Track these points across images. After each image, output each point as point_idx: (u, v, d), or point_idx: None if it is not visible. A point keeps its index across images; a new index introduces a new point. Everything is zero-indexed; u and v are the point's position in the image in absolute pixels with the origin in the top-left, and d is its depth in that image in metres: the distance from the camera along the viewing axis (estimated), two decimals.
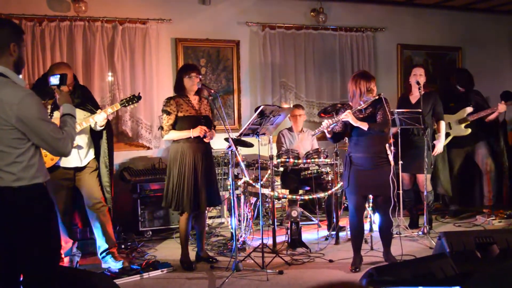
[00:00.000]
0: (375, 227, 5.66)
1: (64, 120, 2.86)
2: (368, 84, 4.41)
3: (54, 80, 2.99)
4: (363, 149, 4.45)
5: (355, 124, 4.39)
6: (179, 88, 4.74)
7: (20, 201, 2.63)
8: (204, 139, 4.67)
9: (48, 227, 2.74)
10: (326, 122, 4.49)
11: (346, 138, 5.57)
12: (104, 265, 4.64)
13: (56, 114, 4.18)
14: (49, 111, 4.30)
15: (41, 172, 2.73)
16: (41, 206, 2.71)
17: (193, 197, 4.59)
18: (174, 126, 4.67)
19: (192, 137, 4.61)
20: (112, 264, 4.58)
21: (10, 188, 2.60)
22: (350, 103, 4.60)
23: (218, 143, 6.16)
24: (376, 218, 5.71)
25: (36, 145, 2.70)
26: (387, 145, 4.34)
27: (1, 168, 2.60)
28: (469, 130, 6.23)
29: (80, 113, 4.50)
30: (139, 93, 4.83)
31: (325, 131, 4.53)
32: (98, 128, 4.62)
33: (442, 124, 5.80)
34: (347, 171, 4.54)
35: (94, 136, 4.74)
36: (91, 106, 4.68)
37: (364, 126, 4.37)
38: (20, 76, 2.76)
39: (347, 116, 4.39)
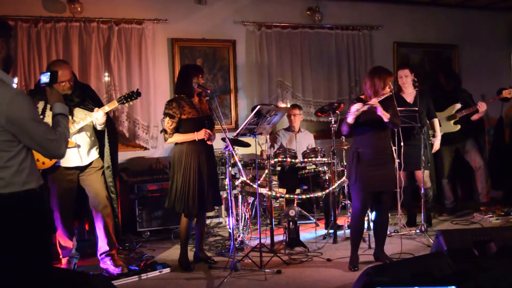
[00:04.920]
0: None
1: (57, 120, 2.68)
2: (392, 78, 4.45)
3: (45, 78, 2.76)
4: (372, 144, 4.44)
5: (380, 113, 4.31)
6: (186, 89, 4.64)
7: (11, 209, 2.44)
8: (207, 142, 4.67)
9: (40, 237, 2.55)
10: (356, 107, 4.34)
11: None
12: (102, 266, 4.62)
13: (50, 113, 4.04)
14: (40, 110, 4.06)
15: (33, 177, 2.54)
16: (33, 214, 2.51)
17: (198, 200, 4.57)
18: (177, 129, 4.60)
19: (196, 139, 4.58)
20: (111, 268, 4.56)
21: (0, 195, 2.42)
22: (362, 96, 4.54)
23: (215, 143, 6.14)
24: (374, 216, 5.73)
25: (27, 148, 2.52)
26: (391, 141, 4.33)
27: None
28: (458, 127, 6.24)
29: (80, 112, 4.43)
30: (138, 89, 4.57)
31: (349, 118, 4.38)
32: (99, 128, 4.47)
33: (436, 122, 5.89)
34: (355, 167, 4.46)
35: (99, 135, 4.60)
36: (92, 104, 4.49)
37: (386, 117, 4.34)
38: (16, 80, 2.65)
39: (375, 103, 4.31)
